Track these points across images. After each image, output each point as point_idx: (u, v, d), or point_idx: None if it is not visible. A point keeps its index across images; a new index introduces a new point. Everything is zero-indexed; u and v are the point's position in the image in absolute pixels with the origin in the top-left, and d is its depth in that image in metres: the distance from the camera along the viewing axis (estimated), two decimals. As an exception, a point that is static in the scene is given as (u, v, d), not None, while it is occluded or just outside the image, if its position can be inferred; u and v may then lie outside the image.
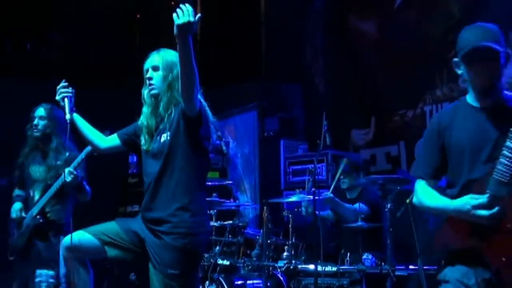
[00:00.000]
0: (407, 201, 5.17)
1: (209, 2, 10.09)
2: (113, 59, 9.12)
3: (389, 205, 5.09)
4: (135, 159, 8.11)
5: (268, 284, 5.58)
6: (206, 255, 5.96)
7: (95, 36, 8.97)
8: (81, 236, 3.72)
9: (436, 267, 4.96)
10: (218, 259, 5.88)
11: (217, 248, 6.08)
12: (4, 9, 8.46)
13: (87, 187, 5.17)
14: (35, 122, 5.31)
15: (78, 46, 8.99)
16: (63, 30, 9.08)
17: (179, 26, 3.29)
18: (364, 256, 5.59)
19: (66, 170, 4.88)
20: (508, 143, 2.78)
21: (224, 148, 6.98)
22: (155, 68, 3.83)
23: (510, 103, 2.97)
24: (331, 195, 5.73)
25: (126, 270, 7.76)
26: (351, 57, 8.37)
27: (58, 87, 4.03)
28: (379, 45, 8.11)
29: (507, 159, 2.77)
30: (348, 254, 5.68)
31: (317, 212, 5.53)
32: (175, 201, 3.60)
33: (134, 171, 8.23)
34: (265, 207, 5.81)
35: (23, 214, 5.22)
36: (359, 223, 5.48)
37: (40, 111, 5.36)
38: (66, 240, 3.71)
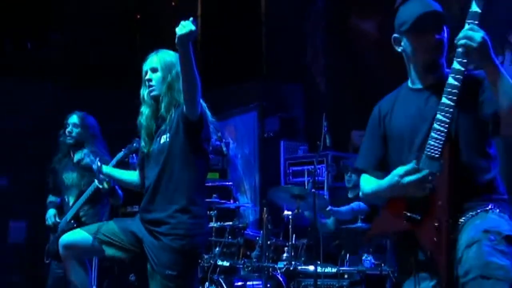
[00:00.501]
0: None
1: (210, 2, 10.09)
2: (113, 59, 9.12)
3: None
4: (135, 160, 8.09)
5: (268, 285, 5.57)
6: (206, 256, 5.96)
7: (95, 36, 8.97)
8: (79, 235, 3.74)
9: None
10: (218, 260, 5.87)
11: (217, 249, 6.08)
12: (4, 9, 8.46)
13: (119, 191, 5.26)
14: (69, 129, 5.41)
15: (78, 46, 8.99)
16: (63, 30, 9.08)
17: (181, 36, 3.30)
18: (364, 257, 5.59)
19: (96, 181, 4.96)
20: (438, 116, 2.65)
21: (224, 149, 6.98)
22: (154, 70, 3.84)
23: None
24: (329, 207, 5.73)
25: (126, 271, 7.75)
26: (351, 57, 8.37)
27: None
28: (380, 45, 8.10)
29: (437, 132, 2.64)
30: (348, 255, 5.68)
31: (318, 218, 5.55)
32: (174, 202, 3.61)
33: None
34: (265, 208, 5.80)
35: (57, 220, 5.31)
36: (359, 224, 5.48)
37: (74, 118, 5.45)
38: (63, 238, 3.72)
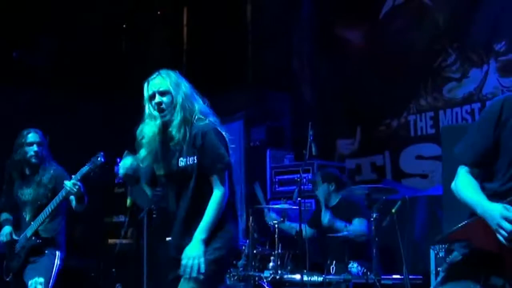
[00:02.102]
0: (393, 210, 5.22)
1: (195, 11, 10.10)
2: (100, 68, 9.10)
3: (375, 215, 5.10)
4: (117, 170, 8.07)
5: (254, 294, 5.57)
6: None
7: (82, 45, 8.94)
8: None
9: (421, 277, 5.02)
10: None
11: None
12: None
13: (85, 196, 5.20)
14: (36, 149, 5.28)
15: (64, 55, 8.96)
16: (50, 38, 9.05)
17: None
18: (350, 265, 5.60)
19: (70, 182, 4.93)
20: None
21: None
22: (163, 93, 3.72)
23: None
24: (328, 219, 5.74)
25: (112, 281, 7.72)
26: (337, 66, 8.41)
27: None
28: (365, 55, 8.16)
29: None
30: (334, 263, 5.69)
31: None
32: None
33: (120, 181, 8.18)
34: (251, 217, 5.80)
35: (14, 237, 5.23)
36: (345, 232, 5.49)
37: (35, 136, 5.34)
38: None
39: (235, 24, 9.41)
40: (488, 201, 2.71)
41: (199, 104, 3.79)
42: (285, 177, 7.56)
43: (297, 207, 5.46)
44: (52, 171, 5.25)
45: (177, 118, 3.62)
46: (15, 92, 8.47)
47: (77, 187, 4.95)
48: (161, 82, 3.74)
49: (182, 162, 3.59)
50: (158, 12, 10.19)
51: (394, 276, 5.27)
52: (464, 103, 7.00)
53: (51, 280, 5.01)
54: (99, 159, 5.13)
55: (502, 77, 6.68)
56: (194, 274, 3.38)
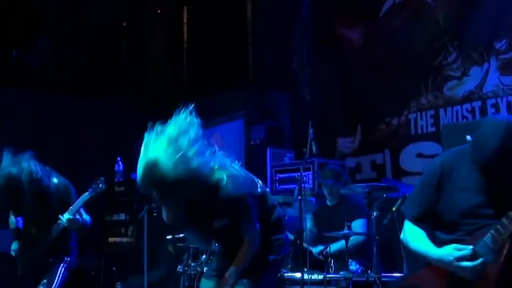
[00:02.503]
0: (393, 209, 5.23)
1: (196, 11, 10.10)
2: (100, 66, 9.11)
3: (375, 213, 5.10)
4: (121, 168, 8.09)
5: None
6: (192, 264, 5.95)
7: (81, 44, 8.95)
8: None
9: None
10: (205, 268, 5.86)
11: (204, 256, 6.06)
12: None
13: (88, 223, 5.17)
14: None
15: (64, 54, 8.96)
16: (49, 37, 9.05)
17: None
18: (349, 263, 5.60)
19: (65, 217, 4.93)
20: (510, 213, 2.70)
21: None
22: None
23: None
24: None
25: (113, 279, 7.72)
26: (337, 65, 8.41)
27: None
28: (365, 54, 8.15)
29: (504, 228, 2.71)
30: (333, 261, 5.69)
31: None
32: None
33: (120, 179, 8.21)
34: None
35: (20, 255, 5.21)
36: (345, 231, 5.48)
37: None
38: None
39: (235, 23, 9.42)
40: (435, 248, 2.92)
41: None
42: (286, 175, 7.55)
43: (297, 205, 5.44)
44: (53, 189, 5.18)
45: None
46: (14, 93, 8.47)
47: (73, 222, 4.96)
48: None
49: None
50: (158, 11, 10.20)
51: (395, 274, 5.27)
52: (464, 101, 6.99)
53: (56, 283, 4.99)
54: (100, 185, 5.14)
55: (502, 75, 6.67)
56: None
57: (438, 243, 2.95)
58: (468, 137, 2.99)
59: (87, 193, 5.06)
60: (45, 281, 4.97)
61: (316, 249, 5.81)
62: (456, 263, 2.79)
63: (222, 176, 3.57)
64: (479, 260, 2.75)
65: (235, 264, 3.59)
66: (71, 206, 4.99)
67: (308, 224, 6.21)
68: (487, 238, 2.76)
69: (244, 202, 3.59)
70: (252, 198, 3.63)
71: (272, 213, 3.80)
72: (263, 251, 3.67)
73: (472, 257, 2.77)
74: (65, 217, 4.92)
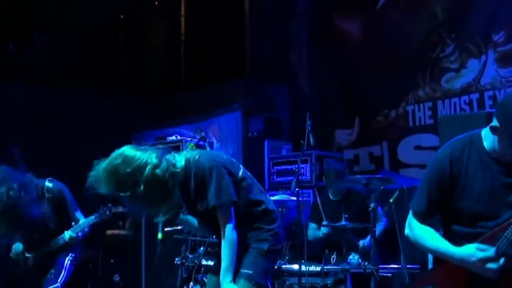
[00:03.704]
0: (391, 200, 5.24)
1: (194, 3, 10.08)
2: (97, 59, 9.09)
3: (372, 205, 5.10)
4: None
5: (253, 284, 5.56)
6: (190, 256, 5.95)
7: (79, 36, 8.93)
8: None
9: (418, 266, 5.03)
10: (203, 260, 5.86)
11: (201, 248, 6.06)
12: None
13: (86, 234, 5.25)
14: None
15: (61, 47, 8.94)
16: (46, 30, 9.03)
17: None
18: (350, 256, 5.62)
19: (67, 234, 5.01)
20: None
21: (208, 148, 6.98)
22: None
23: None
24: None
25: (110, 271, 7.73)
26: (335, 57, 8.40)
27: None
28: (363, 46, 8.15)
29: None
30: (335, 253, 5.70)
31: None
32: None
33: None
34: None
35: (27, 255, 5.21)
36: (343, 222, 5.50)
37: None
38: None
39: (233, 15, 9.40)
40: (456, 248, 2.80)
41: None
42: (283, 167, 7.56)
43: (295, 198, 5.46)
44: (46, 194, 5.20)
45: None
46: (10, 87, 8.45)
47: (74, 240, 5.04)
48: None
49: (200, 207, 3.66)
50: (156, 4, 10.18)
51: (392, 266, 5.29)
52: (462, 93, 7.00)
53: (61, 280, 5.04)
54: (107, 213, 5.20)
55: (500, 67, 6.68)
56: None
57: (454, 237, 2.86)
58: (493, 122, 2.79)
59: (92, 217, 5.14)
60: (52, 271, 5.05)
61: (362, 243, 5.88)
62: (480, 265, 2.71)
63: (192, 155, 3.58)
64: (503, 260, 2.68)
65: (223, 262, 3.54)
66: (66, 209, 5.07)
67: (315, 232, 6.25)
68: (509, 233, 2.68)
69: (217, 171, 3.51)
70: (228, 173, 3.56)
71: (262, 203, 3.70)
72: (257, 240, 3.61)
73: (496, 257, 2.69)
74: (68, 235, 5.01)
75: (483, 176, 2.81)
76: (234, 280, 3.53)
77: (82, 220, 5.14)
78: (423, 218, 2.96)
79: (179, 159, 3.55)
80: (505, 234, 2.69)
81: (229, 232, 3.51)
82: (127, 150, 3.49)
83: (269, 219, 3.68)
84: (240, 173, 3.65)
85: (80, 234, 5.11)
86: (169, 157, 3.52)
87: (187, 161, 3.55)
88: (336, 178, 6.15)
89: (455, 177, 2.85)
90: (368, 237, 5.73)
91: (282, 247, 4.11)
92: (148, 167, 3.40)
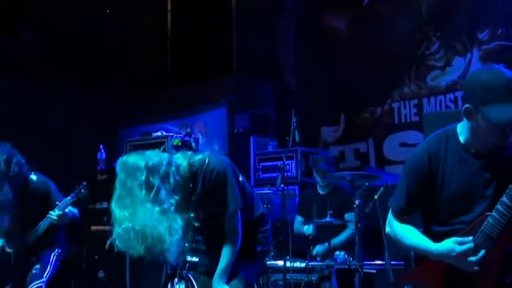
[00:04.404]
0: (375, 197, 5.25)
1: (180, -3, 10.05)
2: (83, 54, 9.04)
3: (357, 201, 5.11)
4: (103, 156, 8.04)
5: (237, 280, 5.56)
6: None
7: (65, 32, 8.87)
8: None
9: (402, 262, 5.05)
10: (187, 256, 5.85)
11: (186, 245, 6.05)
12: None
13: (77, 215, 5.21)
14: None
15: (47, 41, 8.88)
16: (32, 25, 8.97)
17: None
18: (337, 252, 5.63)
19: (55, 213, 4.95)
20: (505, 199, 2.68)
21: (193, 144, 6.96)
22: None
23: (504, 150, 2.80)
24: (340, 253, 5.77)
25: (95, 267, 7.69)
26: (322, 54, 8.41)
27: None
28: (349, 42, 8.17)
29: (501, 215, 2.68)
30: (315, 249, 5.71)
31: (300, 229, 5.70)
32: None
33: (103, 167, 8.16)
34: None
35: (8, 250, 5.17)
36: (328, 219, 5.50)
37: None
38: None
39: (220, 11, 9.38)
40: (435, 244, 2.82)
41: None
42: (269, 164, 7.55)
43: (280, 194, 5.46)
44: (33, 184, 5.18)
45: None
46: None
47: (63, 218, 5.00)
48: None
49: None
50: (143, -4, 10.13)
51: (377, 262, 5.30)
52: (447, 91, 7.04)
53: (47, 275, 5.02)
54: (82, 191, 5.15)
55: (485, 65, 6.71)
56: None
57: (432, 236, 2.87)
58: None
59: (69, 197, 5.07)
60: (38, 266, 5.03)
61: (316, 250, 5.89)
62: (460, 258, 2.72)
63: (202, 157, 3.61)
64: (482, 252, 2.70)
65: (221, 263, 3.59)
66: (52, 201, 5.03)
67: (300, 226, 6.26)
68: (485, 226, 2.71)
69: (230, 176, 3.58)
70: (236, 178, 3.62)
71: (257, 208, 3.81)
72: (252, 242, 3.68)
73: (474, 249, 2.71)
74: (55, 213, 4.95)
75: (460, 170, 2.83)
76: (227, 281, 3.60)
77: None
78: (403, 215, 2.98)
79: (182, 162, 3.60)
80: (482, 228, 2.72)
81: (236, 236, 3.59)
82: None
83: (263, 223, 3.78)
84: (240, 179, 3.72)
85: (69, 212, 5.06)
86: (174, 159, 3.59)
87: (191, 164, 3.59)
88: (324, 163, 6.15)
89: (433, 173, 2.86)
90: (326, 244, 5.79)
91: (270, 247, 4.15)
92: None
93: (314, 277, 5.36)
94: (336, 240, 5.87)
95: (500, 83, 2.65)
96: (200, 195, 3.61)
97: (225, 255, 3.60)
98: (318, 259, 5.65)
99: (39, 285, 4.98)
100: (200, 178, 3.57)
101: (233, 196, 3.56)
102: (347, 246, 5.78)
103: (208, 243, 3.84)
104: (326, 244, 5.79)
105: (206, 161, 3.59)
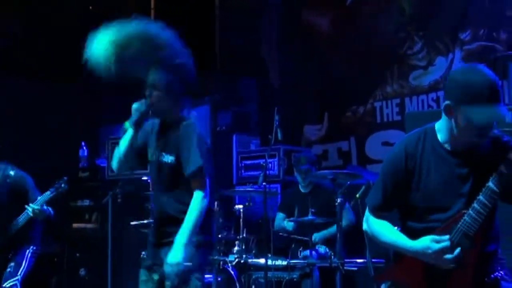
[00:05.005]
0: (357, 195, 5.27)
1: (163, -5, 10.00)
2: (64, 51, 8.98)
3: (339, 199, 5.13)
4: (85, 153, 8.00)
5: (219, 278, 5.58)
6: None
7: (46, 28, 8.82)
8: None
9: (383, 260, 5.07)
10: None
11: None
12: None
13: (52, 214, 5.19)
14: None
15: (27, 37, 8.82)
16: (15, 21, 8.89)
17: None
18: (318, 246, 5.65)
19: (31, 208, 4.96)
20: (481, 198, 2.69)
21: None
22: (153, 86, 3.78)
23: (482, 148, 2.81)
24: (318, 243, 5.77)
25: (76, 265, 7.66)
26: (305, 52, 8.42)
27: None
28: (332, 41, 8.18)
29: (477, 213, 2.69)
30: (301, 248, 5.73)
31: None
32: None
33: (85, 165, 8.12)
34: (216, 202, 5.79)
35: None
36: (310, 217, 5.52)
37: None
38: None
39: (204, 8, 9.35)
40: (412, 241, 2.82)
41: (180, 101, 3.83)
42: (251, 162, 7.55)
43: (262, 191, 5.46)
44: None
45: (165, 115, 3.78)
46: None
47: (41, 212, 5.00)
48: (152, 77, 3.78)
49: (162, 157, 3.68)
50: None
51: (357, 260, 5.33)
52: (430, 90, 7.08)
53: (21, 273, 4.99)
54: (62, 186, 5.15)
55: (467, 65, 6.75)
56: (177, 282, 3.45)
57: (409, 232, 2.87)
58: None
59: (48, 192, 5.10)
60: (12, 264, 5.00)
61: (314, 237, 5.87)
62: (436, 256, 2.73)
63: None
64: (458, 250, 2.71)
65: (186, 224, 3.50)
66: (28, 197, 5.02)
67: (281, 222, 6.26)
68: (462, 224, 2.71)
69: (206, 145, 3.69)
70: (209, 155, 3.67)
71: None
72: (204, 230, 3.61)
73: (450, 247, 2.72)
74: (32, 207, 4.93)
75: (437, 168, 2.84)
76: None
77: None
78: (379, 212, 2.98)
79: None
80: (458, 226, 2.73)
81: (201, 198, 3.53)
82: None
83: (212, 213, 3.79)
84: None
85: (46, 208, 5.04)
86: None
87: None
88: (307, 163, 6.16)
89: (410, 171, 2.87)
90: (322, 232, 5.81)
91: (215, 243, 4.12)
92: None
93: (295, 275, 5.37)
94: (319, 234, 5.86)
95: (482, 84, 2.67)
96: (173, 142, 3.68)
97: (190, 216, 3.53)
98: (317, 246, 5.64)
99: (13, 283, 4.96)
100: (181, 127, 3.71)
101: (202, 155, 3.62)
102: (329, 242, 5.79)
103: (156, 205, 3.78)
104: (323, 231, 5.82)
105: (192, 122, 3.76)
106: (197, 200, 3.53)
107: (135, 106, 3.79)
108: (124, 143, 3.75)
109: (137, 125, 3.74)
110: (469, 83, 2.68)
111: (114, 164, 3.82)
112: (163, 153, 3.67)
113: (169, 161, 3.64)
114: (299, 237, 5.83)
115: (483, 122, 2.69)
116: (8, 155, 5.51)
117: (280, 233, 6.14)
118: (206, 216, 3.60)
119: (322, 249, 5.60)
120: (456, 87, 2.73)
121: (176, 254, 3.44)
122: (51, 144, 8.44)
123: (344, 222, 5.77)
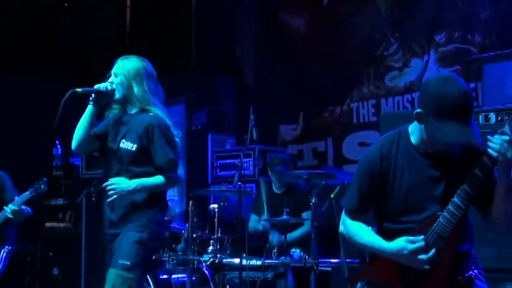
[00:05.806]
0: (332, 195, 5.28)
1: (140, -8, 9.96)
2: (40, 46, 8.90)
3: (313, 200, 5.14)
4: (59, 151, 7.92)
5: (193, 278, 5.54)
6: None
7: (22, 24, 8.73)
8: None
9: (357, 260, 5.09)
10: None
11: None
12: None
13: (30, 213, 5.19)
14: None
15: (2, 33, 8.73)
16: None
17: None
18: (292, 250, 5.64)
19: (9, 209, 4.95)
20: (456, 200, 2.72)
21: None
22: (115, 74, 3.94)
23: (454, 151, 2.83)
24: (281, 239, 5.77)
25: (49, 265, 7.59)
26: (281, 52, 8.43)
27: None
28: (308, 41, 8.20)
29: (452, 215, 2.73)
30: (276, 248, 5.72)
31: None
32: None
33: (59, 163, 8.05)
34: (191, 201, 5.77)
35: None
36: (284, 217, 5.51)
37: None
38: None
39: (180, 7, 9.32)
40: (387, 242, 2.84)
41: (143, 90, 3.89)
42: (227, 161, 7.53)
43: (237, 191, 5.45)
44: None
45: (126, 101, 3.86)
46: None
47: (18, 214, 4.94)
48: (117, 65, 4.00)
49: (123, 143, 3.74)
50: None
51: (332, 260, 5.34)
52: (405, 92, 7.12)
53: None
54: (42, 187, 5.13)
55: (441, 67, 6.82)
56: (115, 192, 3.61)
57: (384, 234, 2.89)
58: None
59: (27, 192, 5.09)
60: None
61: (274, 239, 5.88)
62: (411, 257, 2.75)
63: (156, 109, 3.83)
64: (433, 251, 2.73)
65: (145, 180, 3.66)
66: (6, 197, 4.99)
67: (256, 224, 6.26)
68: (436, 226, 2.74)
69: (171, 133, 3.83)
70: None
71: None
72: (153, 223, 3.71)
73: (425, 248, 2.75)
74: (10, 208, 4.90)
75: (411, 170, 2.86)
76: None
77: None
78: (355, 214, 2.99)
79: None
80: (433, 227, 2.76)
81: (163, 179, 3.70)
82: None
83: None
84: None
85: (24, 208, 5.02)
86: None
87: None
88: (281, 164, 6.16)
89: (385, 172, 2.89)
90: (294, 232, 5.83)
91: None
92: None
93: (269, 275, 5.36)
94: (291, 235, 5.87)
95: (454, 101, 2.65)
96: (136, 132, 3.78)
97: (153, 179, 3.69)
98: (292, 252, 5.65)
99: None
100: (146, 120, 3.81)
101: (174, 149, 3.82)
102: (302, 243, 5.80)
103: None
104: (294, 231, 5.85)
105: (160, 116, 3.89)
106: (160, 179, 3.70)
107: (97, 85, 3.88)
108: (83, 120, 3.86)
109: (96, 103, 3.82)
110: (441, 97, 2.67)
111: (74, 143, 3.89)
112: (123, 140, 3.76)
113: (129, 148, 3.73)
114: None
115: (450, 139, 2.73)
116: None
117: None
118: (159, 209, 3.76)
119: (297, 253, 5.60)
120: (428, 99, 2.73)
121: (125, 183, 3.64)
122: (25, 142, 8.36)
123: (298, 231, 5.83)
